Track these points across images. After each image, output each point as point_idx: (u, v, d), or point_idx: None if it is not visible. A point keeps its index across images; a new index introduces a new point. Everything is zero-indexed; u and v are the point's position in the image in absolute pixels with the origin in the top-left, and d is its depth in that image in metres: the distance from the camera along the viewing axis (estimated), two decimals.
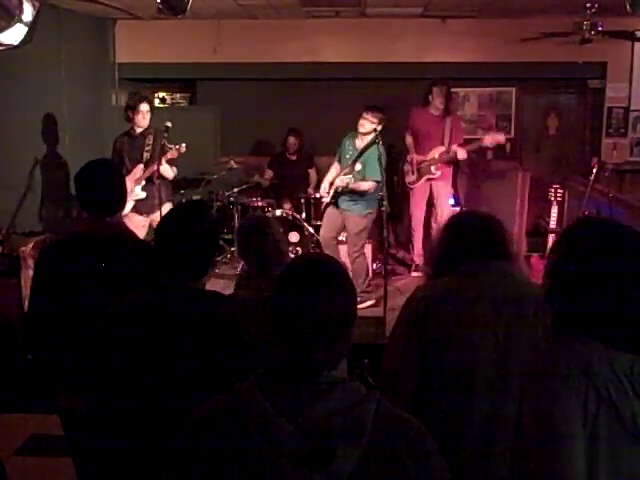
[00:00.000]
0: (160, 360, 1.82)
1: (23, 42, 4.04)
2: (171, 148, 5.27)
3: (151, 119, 5.34)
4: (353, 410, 1.23)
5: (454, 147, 6.06)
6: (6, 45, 4.01)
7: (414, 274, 6.41)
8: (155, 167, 5.17)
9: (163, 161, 5.24)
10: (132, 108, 5.29)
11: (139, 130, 5.35)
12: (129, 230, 2.62)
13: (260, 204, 6.75)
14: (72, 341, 2.40)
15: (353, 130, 5.37)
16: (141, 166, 5.33)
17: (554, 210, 5.81)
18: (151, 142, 5.33)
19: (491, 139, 6.02)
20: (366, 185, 5.20)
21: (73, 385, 2.45)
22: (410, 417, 1.33)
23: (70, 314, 2.41)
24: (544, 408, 1.39)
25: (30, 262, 4.77)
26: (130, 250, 2.48)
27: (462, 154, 6.04)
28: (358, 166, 5.20)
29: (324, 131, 7.52)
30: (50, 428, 2.85)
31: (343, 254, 5.70)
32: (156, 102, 9.27)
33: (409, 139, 6.42)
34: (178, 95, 8.84)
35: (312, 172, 7.43)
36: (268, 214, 6.44)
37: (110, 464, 2.55)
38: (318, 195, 6.73)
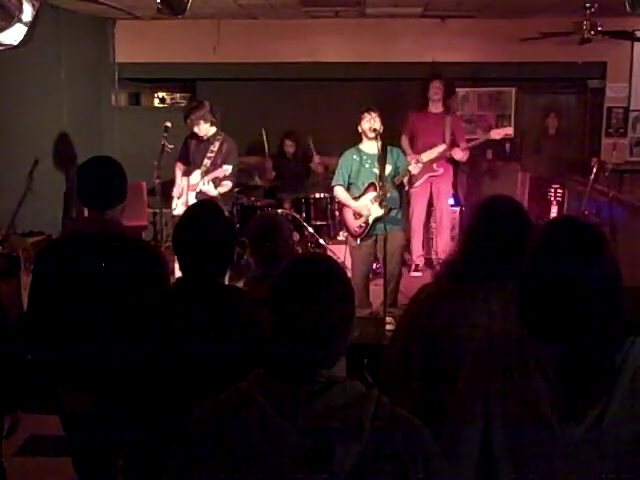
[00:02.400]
0: (186, 358, 1.83)
1: (23, 42, 4.03)
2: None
3: (216, 124, 5.33)
4: (352, 408, 1.23)
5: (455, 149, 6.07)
6: (6, 45, 4.01)
7: (413, 274, 6.41)
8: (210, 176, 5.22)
9: (206, 180, 5.21)
10: (185, 119, 5.25)
11: (201, 136, 5.30)
12: (128, 229, 2.62)
13: (260, 204, 6.75)
14: (72, 340, 2.40)
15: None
16: (198, 172, 5.31)
17: (554, 210, 5.80)
18: (216, 148, 5.29)
19: (500, 132, 6.04)
20: (415, 168, 4.90)
21: (74, 385, 2.45)
22: (410, 416, 1.33)
23: (69, 313, 2.41)
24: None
25: (30, 262, 4.77)
26: (129, 248, 2.48)
27: (459, 155, 6.06)
28: (388, 168, 4.85)
29: (324, 131, 7.52)
30: (50, 428, 2.85)
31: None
32: (156, 102, 9.30)
33: (405, 141, 6.40)
34: (178, 95, 8.85)
35: (315, 158, 7.26)
36: (253, 219, 6.42)
37: (110, 464, 2.56)
38: (318, 195, 6.74)
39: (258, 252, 2.77)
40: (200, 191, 5.32)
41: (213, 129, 5.34)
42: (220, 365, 1.78)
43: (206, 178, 5.24)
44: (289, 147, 7.23)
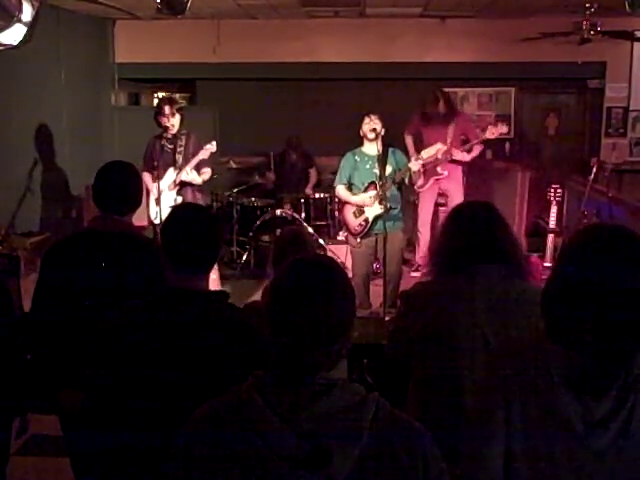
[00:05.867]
0: (169, 364, 1.81)
1: (22, 42, 4.03)
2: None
3: (182, 121, 5.19)
4: (351, 411, 1.23)
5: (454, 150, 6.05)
6: (5, 45, 4.00)
7: (413, 274, 6.40)
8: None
9: (188, 169, 5.12)
10: (158, 112, 5.15)
11: (171, 133, 5.19)
12: (135, 227, 2.64)
13: (260, 204, 6.76)
14: (74, 340, 2.41)
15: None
16: (173, 170, 5.20)
17: (553, 210, 5.79)
18: (184, 143, 5.20)
19: (494, 130, 6.01)
20: (415, 165, 4.92)
21: (74, 385, 2.45)
22: (410, 419, 1.33)
23: (75, 313, 2.41)
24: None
25: (30, 262, 4.77)
26: (136, 248, 2.49)
27: (458, 156, 6.05)
28: (389, 168, 4.89)
29: (323, 131, 7.53)
30: (50, 428, 2.85)
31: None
32: (155, 102, 9.28)
33: (409, 140, 6.37)
34: (177, 95, 8.83)
35: (312, 171, 7.43)
36: (267, 214, 6.45)
37: (109, 465, 2.56)
38: (318, 195, 6.76)
39: (281, 263, 2.81)
40: (181, 184, 5.19)
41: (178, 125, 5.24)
42: (206, 368, 1.78)
43: (187, 167, 5.12)
44: (292, 156, 7.28)
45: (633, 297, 1.30)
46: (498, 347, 1.54)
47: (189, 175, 5.15)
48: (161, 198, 5.14)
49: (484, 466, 1.41)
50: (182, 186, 5.22)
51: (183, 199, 5.22)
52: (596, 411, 1.33)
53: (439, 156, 6.09)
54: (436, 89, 6.33)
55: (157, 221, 5.22)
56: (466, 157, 6.16)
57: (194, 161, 5.16)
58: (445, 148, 6.06)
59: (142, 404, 1.84)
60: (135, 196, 2.59)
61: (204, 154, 5.17)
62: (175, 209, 2.14)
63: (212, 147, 5.19)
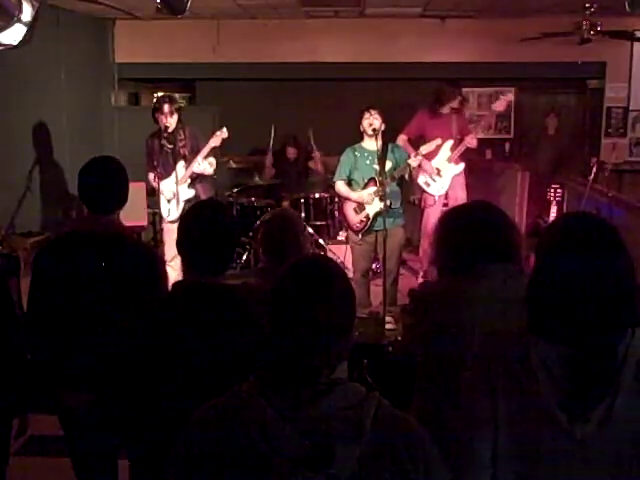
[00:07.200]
0: (188, 360, 1.82)
1: (22, 42, 4.04)
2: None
3: (179, 119, 5.21)
4: (352, 411, 1.23)
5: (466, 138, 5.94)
6: (5, 45, 4.02)
7: (421, 280, 6.34)
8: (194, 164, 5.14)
9: (200, 159, 5.13)
10: (157, 110, 5.16)
11: (168, 132, 5.19)
12: (127, 229, 2.62)
13: (260, 204, 6.75)
14: (70, 339, 2.41)
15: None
16: (182, 164, 5.22)
17: (553, 210, 5.80)
18: (183, 137, 5.22)
19: (502, 102, 5.93)
20: (414, 161, 4.87)
21: (73, 384, 2.45)
22: (410, 419, 1.33)
23: (67, 312, 2.41)
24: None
25: (29, 262, 4.77)
26: (126, 248, 2.48)
27: (471, 141, 5.94)
28: (388, 164, 4.87)
29: (324, 131, 7.52)
30: (50, 428, 2.85)
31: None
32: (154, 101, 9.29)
33: (403, 141, 6.03)
34: (177, 95, 8.84)
35: (315, 157, 7.34)
36: (267, 214, 6.44)
37: (109, 464, 2.56)
38: (318, 195, 6.75)
39: (269, 245, 2.78)
40: (192, 178, 5.23)
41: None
42: (225, 363, 1.78)
43: (199, 157, 5.13)
44: (291, 154, 7.29)
45: (604, 286, 1.32)
46: (483, 340, 1.55)
47: (200, 166, 5.18)
48: (171, 194, 5.22)
49: (473, 458, 1.42)
50: (192, 180, 5.26)
51: (195, 192, 5.28)
52: (578, 402, 1.33)
53: (449, 151, 6.03)
54: (453, 86, 6.19)
55: (170, 218, 5.29)
56: (474, 142, 6.03)
57: (206, 149, 5.16)
58: (452, 142, 5.99)
59: (159, 404, 1.84)
60: (119, 193, 2.53)
61: (215, 141, 5.17)
62: (191, 208, 2.13)
63: (223, 133, 5.18)
